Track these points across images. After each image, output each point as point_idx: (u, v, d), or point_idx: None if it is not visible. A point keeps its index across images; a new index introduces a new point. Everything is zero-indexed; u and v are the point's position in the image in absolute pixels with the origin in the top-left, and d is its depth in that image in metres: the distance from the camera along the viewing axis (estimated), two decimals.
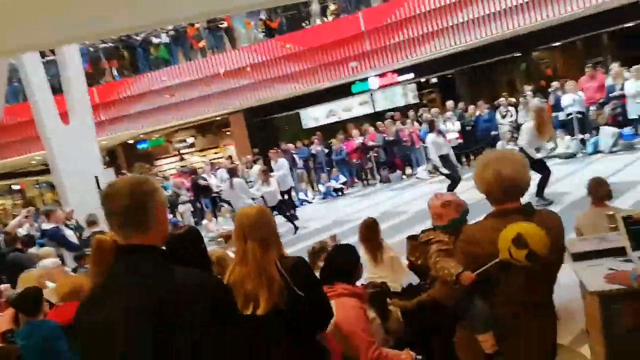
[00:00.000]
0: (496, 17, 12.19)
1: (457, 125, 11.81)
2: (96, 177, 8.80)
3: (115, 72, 14.59)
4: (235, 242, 2.22)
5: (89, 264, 2.66)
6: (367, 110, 18.08)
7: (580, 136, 10.30)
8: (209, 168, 12.95)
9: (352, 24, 13.17)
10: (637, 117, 9.57)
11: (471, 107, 12.24)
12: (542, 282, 2.00)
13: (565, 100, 10.66)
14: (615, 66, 10.38)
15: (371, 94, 17.77)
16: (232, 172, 8.94)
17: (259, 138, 17.20)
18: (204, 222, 10.40)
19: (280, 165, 10.63)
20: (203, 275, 1.55)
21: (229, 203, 11.88)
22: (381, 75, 15.46)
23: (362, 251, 3.98)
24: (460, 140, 11.90)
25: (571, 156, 10.10)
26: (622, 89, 9.86)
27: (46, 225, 6.76)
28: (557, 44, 13.96)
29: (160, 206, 1.51)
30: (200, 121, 18.52)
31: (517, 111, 11.76)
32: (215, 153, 21.65)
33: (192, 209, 11.99)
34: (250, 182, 10.71)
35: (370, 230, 4.35)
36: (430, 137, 8.73)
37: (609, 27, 12.71)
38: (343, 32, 13.24)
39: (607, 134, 9.67)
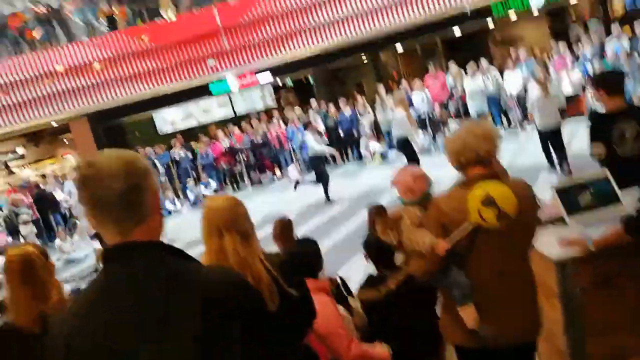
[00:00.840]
0: (349, 21, 12.86)
1: (321, 125, 12.14)
2: None
3: None
4: (206, 240, 1.87)
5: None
6: (227, 112, 17.63)
7: (431, 133, 11.38)
8: (54, 180, 11.29)
9: (208, 20, 12.67)
10: (476, 113, 10.91)
11: (332, 108, 12.68)
12: (516, 249, 2.05)
13: (415, 98, 11.71)
14: (453, 66, 11.70)
15: (229, 97, 17.38)
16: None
17: (108, 146, 15.57)
18: (57, 242, 9.01)
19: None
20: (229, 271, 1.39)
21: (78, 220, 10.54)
22: (240, 76, 15.18)
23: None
24: (326, 140, 12.25)
25: (426, 152, 11.10)
26: (462, 87, 11.18)
27: None
28: (400, 50, 15.29)
29: (157, 188, 1.21)
30: (30, 129, 16.08)
31: (373, 110, 12.56)
32: (52, 164, 19.04)
33: (35, 230, 10.30)
34: None
35: (286, 229, 4.18)
36: (309, 135, 8.79)
37: (443, 34, 14.34)
38: (199, 27, 12.66)
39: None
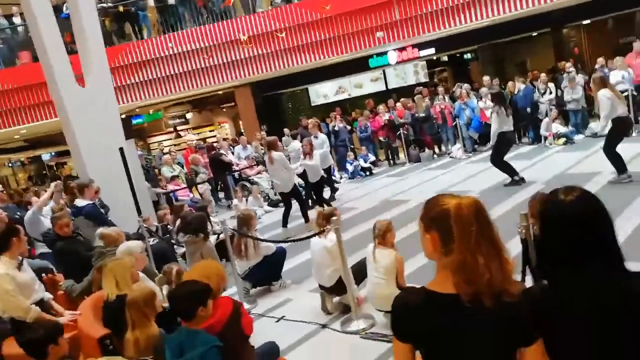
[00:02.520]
0: None
1: None
2: (121, 149, 7.67)
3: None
4: None
5: None
6: (379, 87, 17.24)
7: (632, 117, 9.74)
8: (226, 144, 11.89)
9: None
10: None
11: (510, 84, 11.54)
12: None
13: (614, 77, 10.09)
14: None
15: (384, 71, 16.93)
16: (272, 146, 7.96)
17: (267, 113, 16.14)
18: (234, 201, 9.41)
19: (322, 140, 9.69)
20: None
21: (249, 182, 10.94)
22: (401, 50, 14.60)
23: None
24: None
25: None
26: None
27: (80, 202, 5.68)
28: (587, 21, 13.40)
29: None
30: (195, 96, 17.27)
31: (557, 88, 11.18)
32: (210, 131, 20.42)
33: (210, 188, 10.95)
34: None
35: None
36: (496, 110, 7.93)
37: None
38: None
39: None
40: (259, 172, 11.38)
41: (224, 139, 13.74)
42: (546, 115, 10.51)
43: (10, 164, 25.00)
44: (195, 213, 5.72)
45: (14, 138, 17.06)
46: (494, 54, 15.15)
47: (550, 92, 11.13)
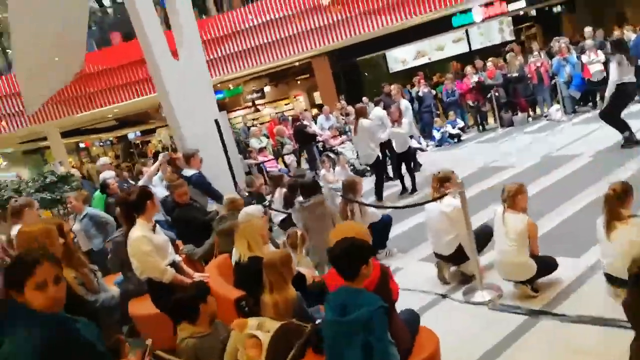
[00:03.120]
0: None
1: (602, 55, 10.07)
2: (216, 121, 7.78)
3: None
4: None
5: None
6: (462, 48, 16.37)
7: None
8: (309, 115, 11.82)
9: None
10: None
11: (617, 33, 10.42)
12: None
13: None
14: None
15: (466, 30, 16.01)
16: (361, 113, 7.72)
17: (345, 82, 15.88)
18: (322, 172, 9.35)
19: (405, 107, 9.30)
20: None
21: (334, 152, 10.82)
22: (487, 5, 13.65)
23: None
24: (605, 74, 10.18)
25: None
26: None
27: (188, 171, 5.81)
28: None
29: None
30: (274, 68, 17.30)
31: None
32: (286, 104, 20.51)
33: (296, 159, 10.98)
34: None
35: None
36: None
37: None
38: None
39: None
40: (342, 142, 11.24)
41: (305, 110, 13.68)
42: None
43: (101, 143, 26.78)
44: (304, 178, 5.65)
45: (107, 117, 18.08)
46: (591, 4, 13.77)
47: None
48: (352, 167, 10.02)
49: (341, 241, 2.30)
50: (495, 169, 7.91)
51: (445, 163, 9.32)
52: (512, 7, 13.58)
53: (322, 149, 11.15)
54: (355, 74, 16.92)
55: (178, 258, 3.61)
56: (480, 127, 11.83)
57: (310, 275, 3.36)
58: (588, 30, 10.67)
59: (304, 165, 11.34)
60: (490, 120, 12.07)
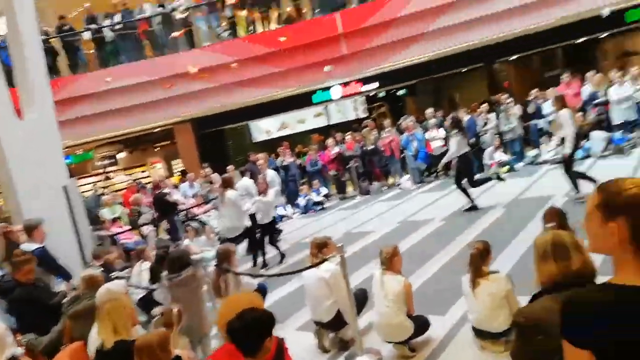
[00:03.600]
0: (461, 28, 12.31)
1: (442, 132, 11.52)
2: (64, 188, 6.95)
3: None
4: None
5: None
6: (322, 122, 17.43)
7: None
8: (170, 183, 11.28)
9: (330, 25, 12.49)
10: (621, 122, 9.98)
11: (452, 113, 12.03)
12: None
13: (547, 108, 10.90)
14: (593, 74, 10.85)
15: (326, 107, 17.18)
16: (228, 184, 7.56)
17: (208, 150, 15.63)
18: (185, 241, 8.82)
19: (272, 177, 9.36)
20: None
21: (198, 221, 10.39)
22: (345, 84, 14.89)
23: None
24: (445, 148, 11.62)
25: (560, 162, 10.19)
26: (604, 95, 10.29)
27: (29, 246, 4.97)
28: (514, 57, 14.52)
29: None
30: (129, 134, 16.45)
31: (497, 119, 11.80)
32: (143, 172, 19.44)
33: (155, 229, 10.22)
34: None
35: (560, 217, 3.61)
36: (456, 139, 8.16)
37: (563, 41, 13.47)
38: (319, 32, 12.50)
39: (598, 138, 9.96)
40: (206, 211, 10.86)
41: (167, 178, 13.05)
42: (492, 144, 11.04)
43: None
44: (168, 249, 5.20)
45: None
46: (429, 89, 15.90)
47: (491, 122, 11.73)
48: (217, 236, 9.65)
49: (242, 314, 2.10)
50: (358, 235, 8.26)
51: (311, 230, 9.56)
52: (366, 88, 15.01)
53: (185, 218, 10.61)
54: (220, 142, 16.83)
55: (19, 351, 2.95)
56: (342, 196, 12.45)
57: (187, 356, 3.00)
58: (429, 111, 12.19)
59: (164, 236, 10.62)
60: (349, 188, 12.81)
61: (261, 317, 2.12)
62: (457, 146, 8.12)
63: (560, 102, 7.52)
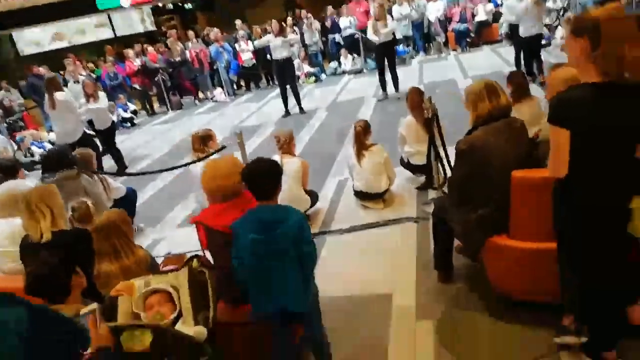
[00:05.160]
0: None
1: (250, 45, 11.65)
2: None
3: None
4: None
5: None
6: (106, 34, 15.44)
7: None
8: None
9: None
10: (402, 36, 11.73)
11: (257, 29, 12.19)
12: None
13: (343, 23, 12.05)
14: None
15: (109, 16, 15.25)
16: (54, 85, 6.40)
17: None
18: None
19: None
20: None
21: None
22: None
23: None
24: (254, 61, 11.88)
25: (359, 71, 11.62)
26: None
27: None
28: None
29: None
30: None
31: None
32: None
33: None
34: None
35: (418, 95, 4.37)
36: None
37: None
38: None
39: None
40: None
41: None
42: (297, 57, 11.71)
43: None
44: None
45: None
46: (227, 4, 15.62)
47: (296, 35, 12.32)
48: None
49: (257, 161, 2.21)
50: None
51: (133, 144, 9.00)
52: None
53: None
54: None
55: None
56: (150, 111, 11.72)
57: None
58: (239, 22, 12.10)
59: None
60: (155, 104, 12.13)
61: (274, 163, 2.25)
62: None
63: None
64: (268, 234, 2.07)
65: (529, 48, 7.43)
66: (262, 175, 2.17)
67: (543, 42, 8.26)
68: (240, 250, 2.12)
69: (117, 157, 7.10)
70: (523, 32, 7.25)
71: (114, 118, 10.24)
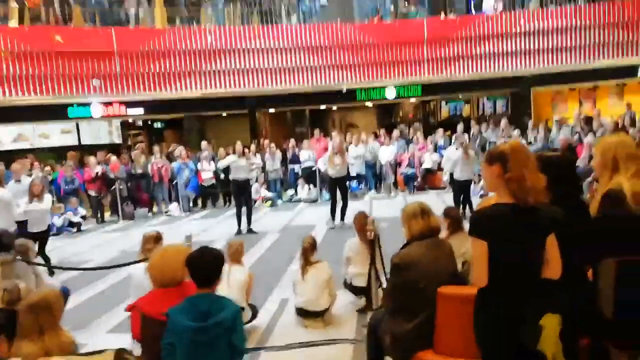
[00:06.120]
0: (232, 74, 13.48)
1: (213, 165, 12.12)
2: None
3: None
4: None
5: None
6: (71, 141, 15.73)
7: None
8: None
9: (105, 39, 11.93)
10: (356, 174, 12.55)
11: (221, 152, 12.80)
12: None
13: (303, 155, 12.91)
14: (335, 133, 13.40)
15: (77, 124, 15.72)
16: None
17: None
18: None
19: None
20: None
21: None
22: (107, 104, 14.04)
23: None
24: (214, 181, 12.26)
25: (314, 201, 12.15)
26: None
27: None
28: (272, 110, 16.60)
29: None
30: None
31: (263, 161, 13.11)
32: None
33: None
34: None
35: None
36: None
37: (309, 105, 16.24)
38: (93, 44, 11.76)
39: None
40: None
41: None
42: (256, 180, 12.21)
43: None
44: None
45: None
46: (197, 125, 16.49)
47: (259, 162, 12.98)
48: None
49: (202, 250, 2.33)
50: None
51: (74, 250, 8.74)
52: (131, 112, 14.52)
53: None
54: None
55: None
56: (100, 219, 11.56)
57: None
58: (204, 143, 12.72)
59: None
60: (107, 213, 12.02)
61: (218, 253, 2.37)
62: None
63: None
64: (203, 323, 2.12)
65: (462, 191, 8.70)
66: (206, 263, 2.28)
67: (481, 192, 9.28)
68: (172, 336, 2.13)
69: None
70: (457, 176, 8.69)
71: (60, 221, 10.18)
